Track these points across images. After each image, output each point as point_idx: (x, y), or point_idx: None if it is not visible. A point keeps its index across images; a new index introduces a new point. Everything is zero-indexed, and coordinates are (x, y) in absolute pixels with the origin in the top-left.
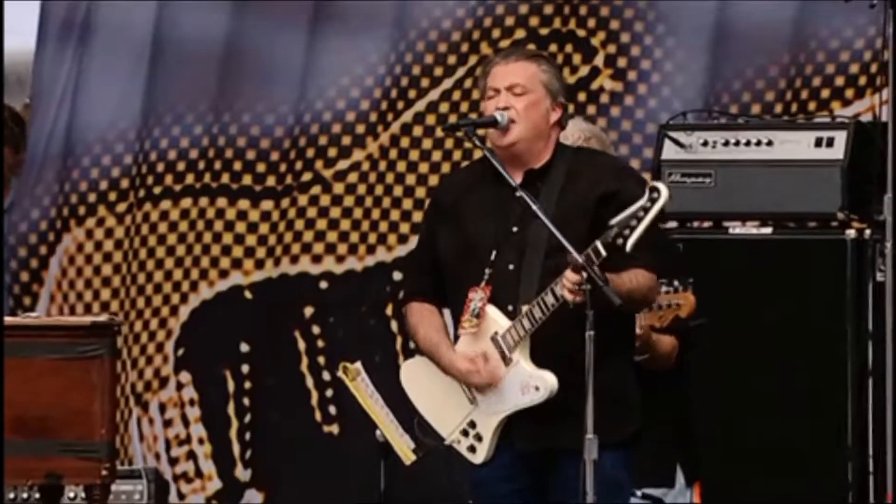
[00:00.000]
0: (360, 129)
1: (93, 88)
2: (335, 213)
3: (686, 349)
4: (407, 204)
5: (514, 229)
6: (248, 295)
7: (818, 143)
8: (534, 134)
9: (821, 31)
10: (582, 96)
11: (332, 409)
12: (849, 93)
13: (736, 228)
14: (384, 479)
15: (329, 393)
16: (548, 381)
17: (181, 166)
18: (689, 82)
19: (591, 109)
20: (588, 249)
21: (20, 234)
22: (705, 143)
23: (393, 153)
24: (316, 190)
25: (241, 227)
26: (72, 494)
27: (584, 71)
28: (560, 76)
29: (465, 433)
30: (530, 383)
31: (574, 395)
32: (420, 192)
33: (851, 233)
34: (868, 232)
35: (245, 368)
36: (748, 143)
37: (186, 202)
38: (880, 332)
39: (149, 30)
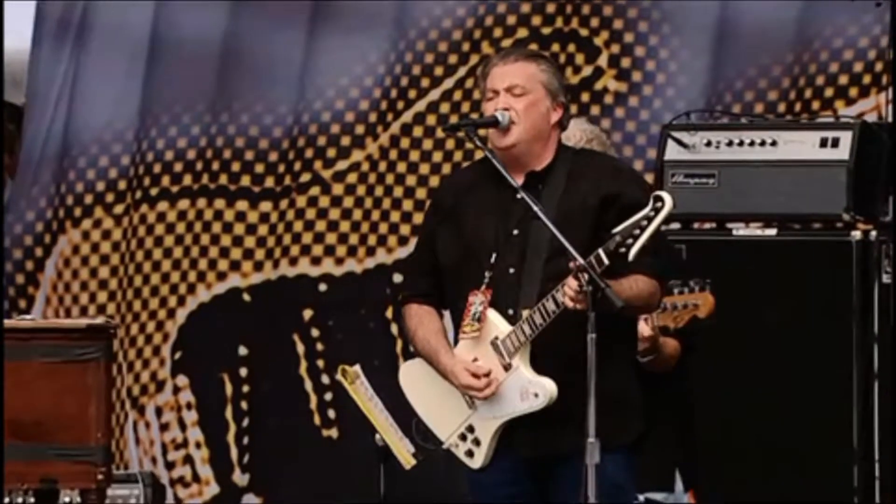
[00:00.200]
0: (360, 129)
1: (89, 89)
2: (334, 214)
3: (686, 352)
4: (407, 205)
5: (515, 231)
6: (246, 297)
7: (823, 143)
8: (533, 135)
9: (825, 29)
10: (585, 97)
11: (332, 413)
12: (853, 92)
13: (740, 230)
14: (384, 484)
15: (328, 396)
16: (547, 388)
17: (178, 167)
18: (693, 82)
19: (595, 110)
20: (590, 257)
21: (16, 236)
22: (709, 144)
23: (393, 154)
24: (315, 191)
25: (239, 229)
26: (67, 499)
27: (588, 71)
28: (560, 76)
29: (462, 437)
30: (530, 390)
31: (575, 399)
32: (420, 193)
33: (857, 234)
34: (874, 233)
35: (243, 372)
36: (752, 144)
37: (184, 203)
38: (886, 335)
39: (146, 29)
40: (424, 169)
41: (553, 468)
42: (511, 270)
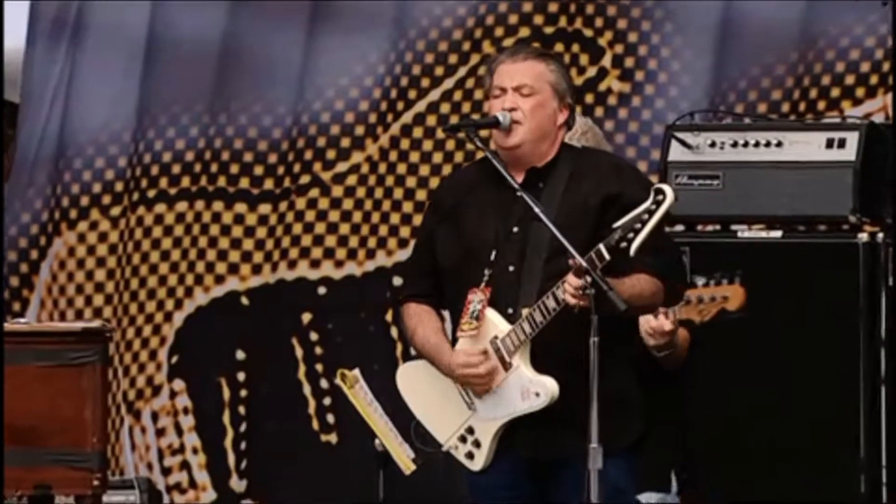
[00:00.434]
0: (360, 130)
1: (85, 89)
2: (334, 216)
3: (691, 346)
4: (407, 207)
5: (515, 230)
6: (244, 301)
7: (829, 143)
8: (539, 136)
9: (830, 28)
10: (589, 98)
11: (331, 418)
12: (859, 92)
13: (744, 232)
14: (383, 489)
15: (327, 401)
16: (548, 387)
17: (176, 169)
18: (697, 82)
19: (599, 111)
20: (591, 253)
21: (10, 238)
22: (713, 145)
23: (393, 155)
24: (314, 193)
25: (237, 232)
26: None
27: (592, 72)
28: (568, 76)
29: (462, 439)
30: (530, 389)
31: (576, 400)
32: (421, 194)
33: (864, 236)
34: (881, 235)
35: (241, 376)
36: (757, 144)
37: (182, 206)
38: (893, 339)
39: (143, 28)
40: (425, 170)
41: (554, 470)
42: (511, 269)
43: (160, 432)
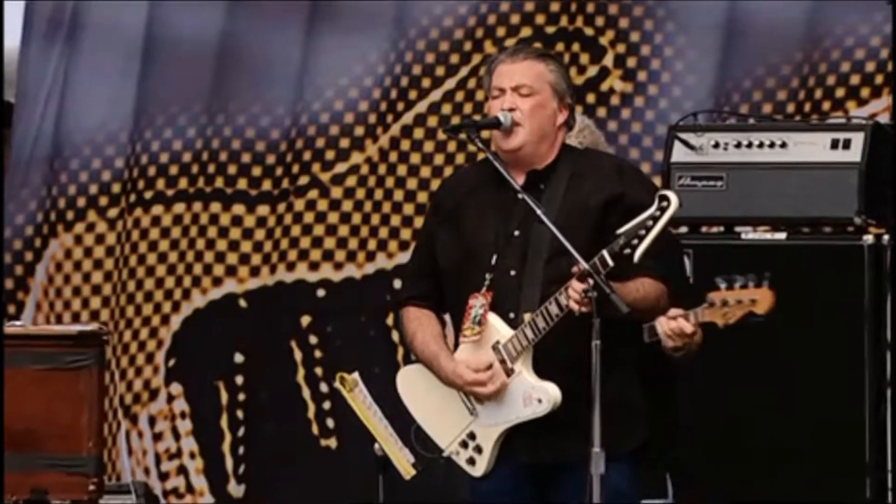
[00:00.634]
0: (359, 131)
1: (81, 88)
2: (333, 218)
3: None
4: (408, 209)
5: (516, 233)
6: (242, 303)
7: (834, 144)
8: (539, 136)
9: (835, 28)
10: (591, 98)
11: (330, 422)
12: (864, 92)
13: (748, 234)
14: (383, 494)
15: (326, 405)
16: (551, 394)
17: (174, 170)
18: (700, 82)
19: (601, 112)
20: (595, 259)
21: (5, 240)
22: (716, 145)
23: (393, 156)
24: (313, 194)
25: (235, 233)
26: None
27: (593, 71)
28: (567, 76)
29: (464, 445)
30: (533, 395)
31: (579, 406)
32: (421, 196)
33: (869, 238)
34: (886, 237)
35: (239, 380)
36: (761, 145)
37: (179, 207)
38: None
39: (140, 28)
40: (425, 171)
41: (555, 474)
42: (512, 273)
43: (157, 436)
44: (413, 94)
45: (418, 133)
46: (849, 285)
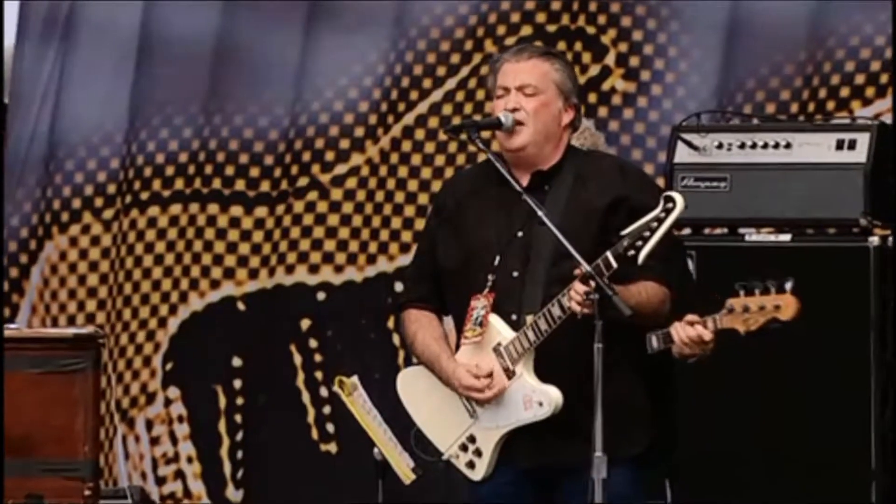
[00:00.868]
0: (359, 131)
1: (76, 88)
2: (333, 220)
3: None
4: (409, 211)
5: (519, 234)
6: (240, 306)
7: (839, 145)
8: (543, 137)
9: (840, 27)
10: (593, 97)
11: (330, 427)
12: (869, 91)
13: (752, 235)
14: (382, 500)
15: (326, 410)
16: (552, 397)
17: (170, 171)
18: (704, 82)
19: (603, 111)
20: (598, 261)
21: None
22: (720, 146)
23: (394, 157)
24: (312, 196)
25: (233, 235)
26: None
27: (595, 70)
28: (573, 76)
29: (464, 448)
30: (534, 398)
31: (582, 410)
32: (422, 198)
33: (875, 240)
34: (892, 239)
35: (237, 384)
36: (765, 146)
37: (176, 208)
38: None
39: (136, 27)
40: (426, 173)
41: (558, 480)
42: (515, 274)
43: (154, 441)
44: (414, 95)
45: (419, 134)
46: (854, 287)
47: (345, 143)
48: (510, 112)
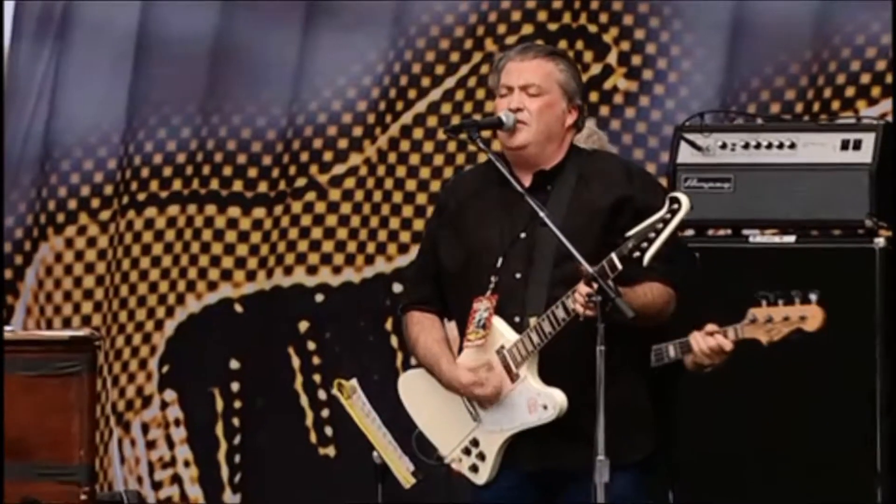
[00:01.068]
0: (357, 131)
1: (72, 88)
2: (331, 221)
3: None
4: (407, 211)
5: (522, 235)
6: (238, 308)
7: (844, 145)
8: (545, 137)
9: (845, 26)
10: (594, 96)
11: (328, 431)
12: (875, 91)
13: (756, 237)
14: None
15: (325, 413)
16: (557, 400)
17: (167, 171)
18: (707, 81)
19: (604, 110)
20: (603, 262)
21: None
22: (724, 146)
23: (392, 157)
24: (311, 196)
25: (231, 237)
26: None
27: (596, 69)
28: (578, 76)
29: (466, 452)
30: (538, 401)
31: (586, 414)
32: (421, 198)
33: (880, 241)
34: None
35: (235, 386)
36: (769, 146)
37: (173, 209)
38: None
39: (133, 25)
40: (425, 173)
41: (561, 484)
42: (518, 276)
43: (150, 445)
44: (413, 94)
45: (418, 133)
46: (859, 289)
47: (343, 143)
48: (513, 112)
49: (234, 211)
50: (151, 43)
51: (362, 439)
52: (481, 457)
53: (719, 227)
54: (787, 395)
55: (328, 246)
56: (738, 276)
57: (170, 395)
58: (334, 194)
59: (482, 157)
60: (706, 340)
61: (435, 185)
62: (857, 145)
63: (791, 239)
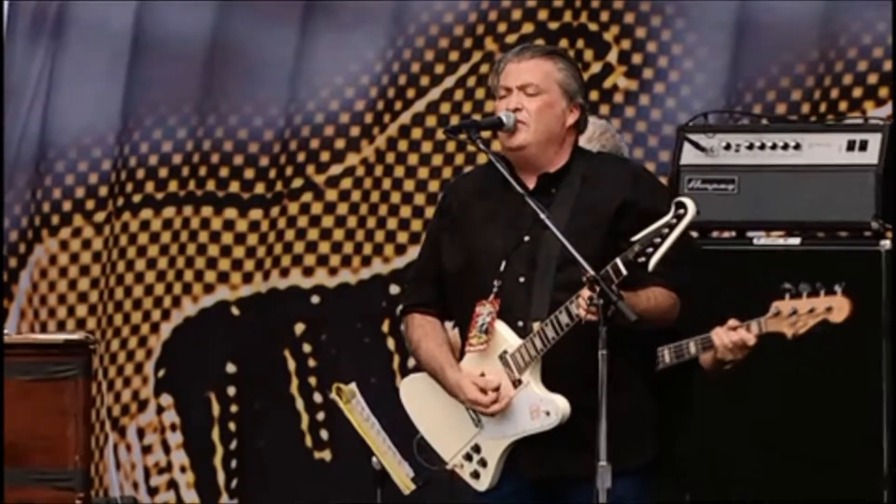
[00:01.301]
0: (355, 131)
1: (67, 88)
2: (328, 222)
3: None
4: (405, 212)
5: (526, 239)
6: (234, 311)
7: (850, 146)
8: (545, 137)
9: (852, 25)
10: (594, 95)
11: (324, 434)
12: (882, 91)
13: (761, 239)
14: None
15: (321, 416)
16: (559, 406)
17: (163, 172)
18: (711, 81)
19: (604, 109)
20: (608, 267)
21: None
22: (728, 147)
23: (390, 157)
24: (307, 197)
25: (227, 238)
26: None
27: (597, 68)
28: (578, 75)
29: (468, 457)
30: (541, 407)
31: (589, 420)
32: (419, 199)
33: (886, 243)
34: None
35: (231, 390)
36: (774, 147)
37: (169, 211)
38: None
39: (128, 25)
40: (423, 173)
41: (564, 491)
42: (521, 279)
43: (146, 450)
44: (411, 93)
45: (416, 133)
46: (865, 293)
47: (340, 143)
48: (512, 112)
49: (230, 212)
50: (147, 42)
51: (359, 443)
52: (483, 463)
53: (723, 229)
54: (794, 396)
55: (325, 247)
56: (743, 278)
57: (166, 399)
58: (331, 195)
59: (482, 158)
60: (729, 335)
61: (433, 186)
62: (863, 146)
63: (796, 241)
